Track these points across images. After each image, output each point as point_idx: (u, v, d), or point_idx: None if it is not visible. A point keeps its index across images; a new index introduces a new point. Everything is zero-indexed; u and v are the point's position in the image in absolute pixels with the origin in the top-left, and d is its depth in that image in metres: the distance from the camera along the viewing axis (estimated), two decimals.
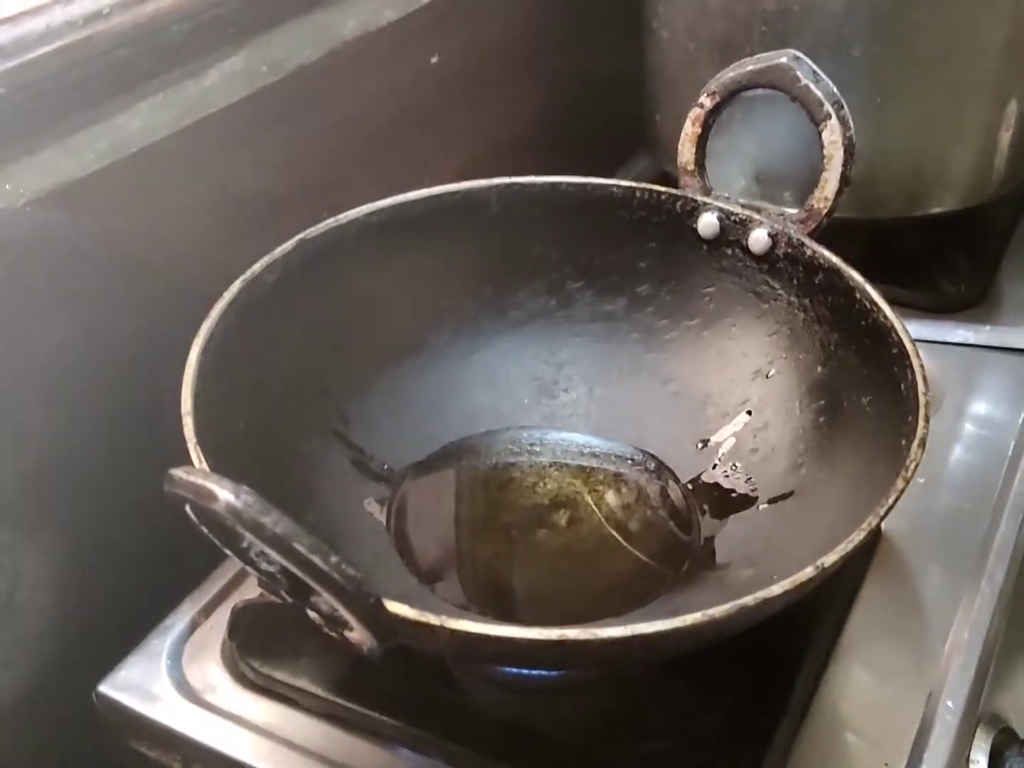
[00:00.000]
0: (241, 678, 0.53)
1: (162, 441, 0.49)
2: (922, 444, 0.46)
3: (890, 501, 0.44)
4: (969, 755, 0.51)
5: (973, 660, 0.53)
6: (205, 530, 0.39)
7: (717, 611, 0.39)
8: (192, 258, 0.60)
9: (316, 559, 0.35)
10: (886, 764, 0.48)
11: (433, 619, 0.38)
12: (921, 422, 0.47)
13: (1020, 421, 0.67)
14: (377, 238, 0.58)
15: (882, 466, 0.48)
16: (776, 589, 0.40)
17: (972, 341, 0.73)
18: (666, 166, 0.85)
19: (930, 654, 0.53)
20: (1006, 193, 0.82)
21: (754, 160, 0.77)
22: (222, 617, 0.56)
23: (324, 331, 0.57)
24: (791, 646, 0.52)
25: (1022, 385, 0.70)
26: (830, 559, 0.41)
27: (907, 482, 0.45)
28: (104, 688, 0.53)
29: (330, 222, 0.57)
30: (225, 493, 0.35)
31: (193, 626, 0.56)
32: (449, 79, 0.78)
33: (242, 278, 0.52)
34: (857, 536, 0.42)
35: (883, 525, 0.59)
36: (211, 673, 0.53)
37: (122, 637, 0.55)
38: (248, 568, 0.39)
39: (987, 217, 0.82)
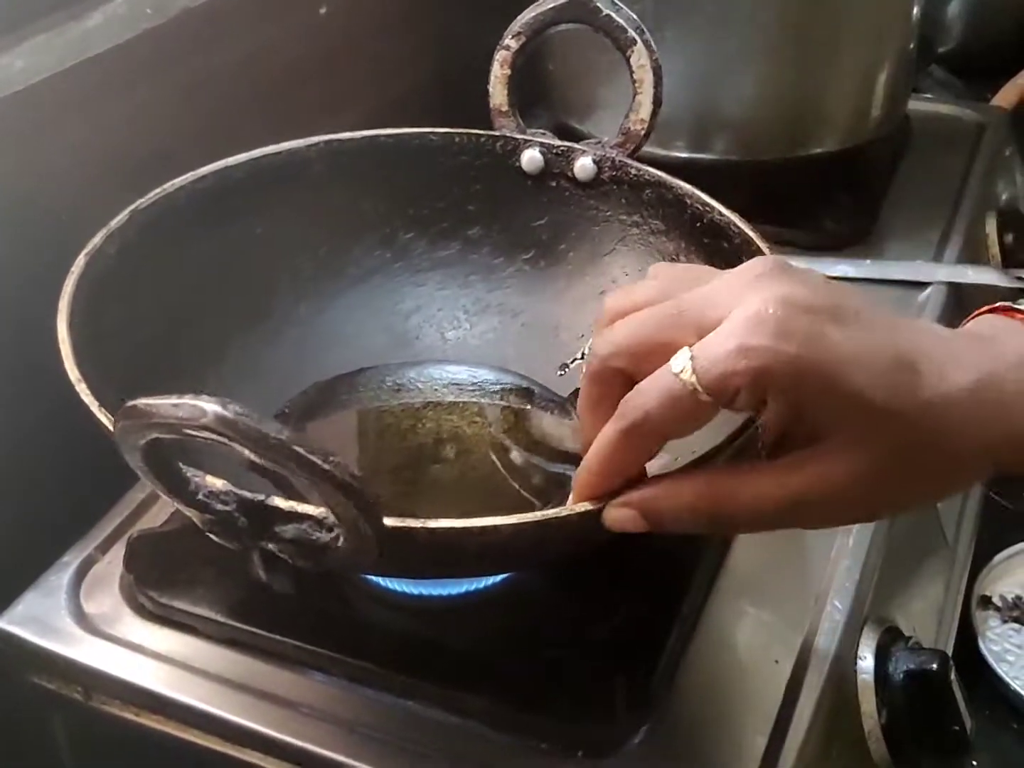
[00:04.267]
0: (140, 609, 0.53)
1: (42, 382, 0.49)
2: None
3: None
4: (857, 652, 0.53)
5: (858, 563, 0.55)
6: (150, 472, 0.37)
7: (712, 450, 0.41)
8: (78, 202, 0.59)
9: (317, 459, 0.33)
10: (776, 661, 0.50)
11: (414, 523, 0.38)
12: None
13: None
14: (206, 205, 0.57)
15: None
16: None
17: (852, 274, 0.75)
18: (563, 117, 0.86)
19: (816, 560, 0.55)
20: (885, 134, 0.84)
21: None
22: (119, 553, 0.55)
23: (170, 303, 0.55)
24: (682, 557, 0.53)
25: (900, 316, 0.71)
26: None
27: None
28: (1, 623, 0.52)
29: (158, 191, 0.55)
30: (212, 406, 0.32)
31: (91, 562, 0.55)
32: (339, 30, 0.78)
33: (84, 252, 0.51)
34: None
35: None
36: (110, 605, 0.53)
37: (18, 578, 0.54)
38: (194, 513, 0.38)
39: (869, 157, 0.84)
